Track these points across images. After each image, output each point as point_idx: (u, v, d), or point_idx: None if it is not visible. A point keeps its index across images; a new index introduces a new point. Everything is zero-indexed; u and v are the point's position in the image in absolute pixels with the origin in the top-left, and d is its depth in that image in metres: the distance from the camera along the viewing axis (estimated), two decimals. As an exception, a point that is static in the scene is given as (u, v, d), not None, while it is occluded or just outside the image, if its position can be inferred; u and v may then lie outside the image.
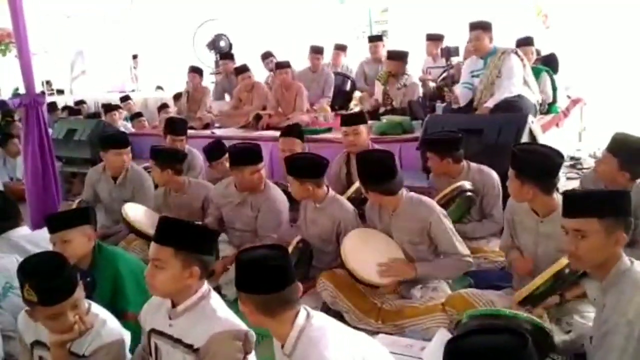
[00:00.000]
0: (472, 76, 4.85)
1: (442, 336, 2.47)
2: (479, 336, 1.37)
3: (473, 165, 3.67)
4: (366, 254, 2.96)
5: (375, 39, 7.45)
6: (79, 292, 2.04)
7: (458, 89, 5.03)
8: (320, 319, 1.81)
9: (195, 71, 7.16)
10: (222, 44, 8.73)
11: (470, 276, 3.34)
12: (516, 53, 4.61)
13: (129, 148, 4.35)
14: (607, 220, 1.85)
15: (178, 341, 1.96)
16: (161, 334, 2.03)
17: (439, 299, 2.89)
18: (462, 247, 3.00)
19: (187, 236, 1.95)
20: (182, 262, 1.91)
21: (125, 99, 8.80)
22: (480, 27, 4.63)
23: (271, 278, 1.73)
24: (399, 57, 5.86)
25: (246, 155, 3.67)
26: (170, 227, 1.96)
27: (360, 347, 1.78)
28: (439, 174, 3.73)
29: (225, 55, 8.13)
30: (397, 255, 3.02)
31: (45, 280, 1.94)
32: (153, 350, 2.08)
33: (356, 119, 4.19)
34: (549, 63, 5.57)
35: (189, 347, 1.93)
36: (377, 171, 2.95)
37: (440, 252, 3.02)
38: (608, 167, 2.91)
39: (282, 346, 1.80)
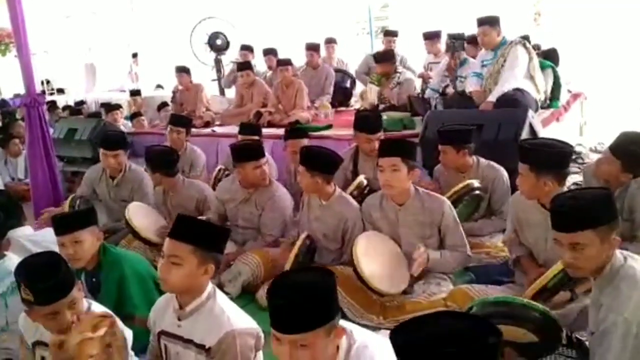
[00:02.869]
0: (482, 66, 4.90)
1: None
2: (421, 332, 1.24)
3: (482, 160, 3.66)
4: (376, 261, 2.94)
5: (389, 34, 7.47)
6: (77, 291, 2.04)
7: (468, 81, 5.09)
8: (360, 333, 1.69)
9: (182, 71, 7.11)
10: (219, 42, 8.68)
11: (471, 271, 3.34)
12: (524, 45, 4.61)
13: (120, 151, 4.30)
14: (600, 229, 1.85)
15: (189, 341, 1.97)
16: (170, 335, 2.04)
17: (441, 294, 2.89)
18: (465, 240, 3.05)
19: (205, 234, 1.96)
20: (199, 259, 1.92)
21: (134, 93, 8.81)
22: (488, 23, 4.67)
23: (324, 313, 1.53)
24: (385, 59, 5.86)
25: (248, 151, 3.68)
26: (190, 225, 1.98)
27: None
28: (451, 168, 3.69)
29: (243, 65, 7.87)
30: (401, 262, 3.03)
31: (40, 280, 1.94)
32: (163, 351, 2.09)
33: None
34: (549, 58, 5.55)
35: (201, 347, 1.93)
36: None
37: (447, 245, 3.04)
38: (611, 168, 2.87)
39: None
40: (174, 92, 7.48)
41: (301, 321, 1.48)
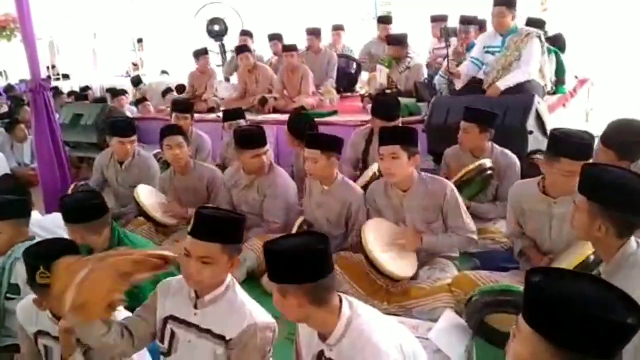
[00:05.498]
0: (486, 52, 4.74)
1: (448, 317, 2.49)
2: (562, 281, 1.24)
3: (496, 146, 3.66)
4: (386, 246, 2.94)
5: (384, 21, 7.42)
6: None
7: (462, 65, 4.96)
8: (364, 308, 1.76)
9: (203, 53, 7.14)
10: (217, 27, 8.60)
11: (476, 257, 3.35)
12: (539, 37, 4.48)
13: (134, 137, 4.37)
14: (593, 204, 1.84)
15: (206, 331, 1.94)
16: (183, 322, 1.99)
17: (445, 280, 2.90)
18: (471, 223, 3.04)
19: (231, 229, 1.93)
20: (229, 255, 1.91)
21: (135, 83, 8.77)
22: (505, 4, 4.46)
23: (318, 264, 1.67)
24: (398, 42, 5.81)
25: (248, 139, 3.67)
26: (215, 223, 1.91)
27: (397, 334, 1.75)
28: (467, 149, 3.67)
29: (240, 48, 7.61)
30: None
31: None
32: (167, 336, 2.02)
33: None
34: (556, 43, 5.50)
35: (220, 337, 1.91)
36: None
37: (449, 227, 3.03)
38: (608, 158, 2.82)
39: (322, 336, 1.73)
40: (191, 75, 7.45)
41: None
